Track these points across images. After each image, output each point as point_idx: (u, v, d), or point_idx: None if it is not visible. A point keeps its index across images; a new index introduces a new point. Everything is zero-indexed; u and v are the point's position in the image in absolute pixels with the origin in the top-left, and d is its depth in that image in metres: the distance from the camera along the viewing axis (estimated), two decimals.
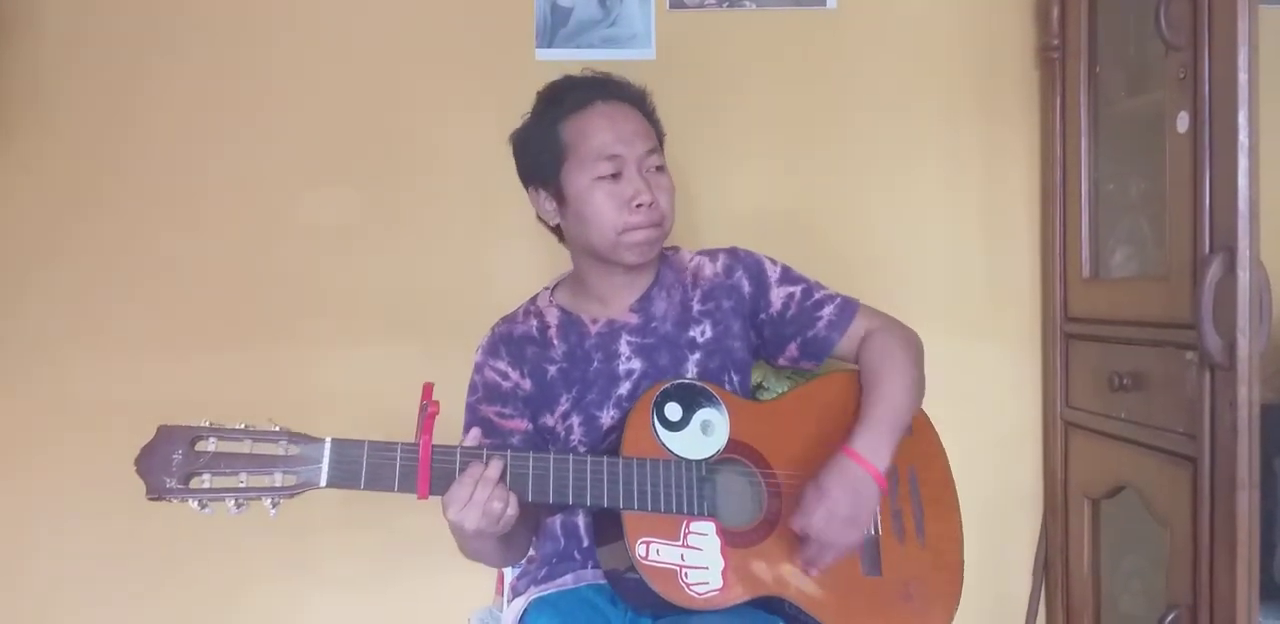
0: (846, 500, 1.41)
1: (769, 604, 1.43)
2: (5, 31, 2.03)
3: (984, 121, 2.10)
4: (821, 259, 1.77)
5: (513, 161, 1.59)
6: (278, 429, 1.28)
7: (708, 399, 1.47)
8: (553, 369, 1.56)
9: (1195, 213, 1.52)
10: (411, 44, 2.08)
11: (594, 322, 1.58)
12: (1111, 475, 1.83)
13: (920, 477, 1.57)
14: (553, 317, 1.60)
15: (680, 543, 1.39)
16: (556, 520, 1.56)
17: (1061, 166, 1.99)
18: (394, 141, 2.08)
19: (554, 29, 2.07)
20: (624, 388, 1.54)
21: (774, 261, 1.63)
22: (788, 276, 1.61)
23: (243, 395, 2.02)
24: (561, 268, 1.68)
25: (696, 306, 1.59)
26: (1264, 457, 1.45)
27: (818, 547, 1.42)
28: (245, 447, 1.27)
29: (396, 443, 1.31)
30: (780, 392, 1.75)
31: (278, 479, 1.26)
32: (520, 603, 1.53)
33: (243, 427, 1.28)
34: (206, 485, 1.25)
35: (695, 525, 1.40)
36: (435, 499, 1.33)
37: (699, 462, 1.43)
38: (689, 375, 1.54)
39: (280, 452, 1.27)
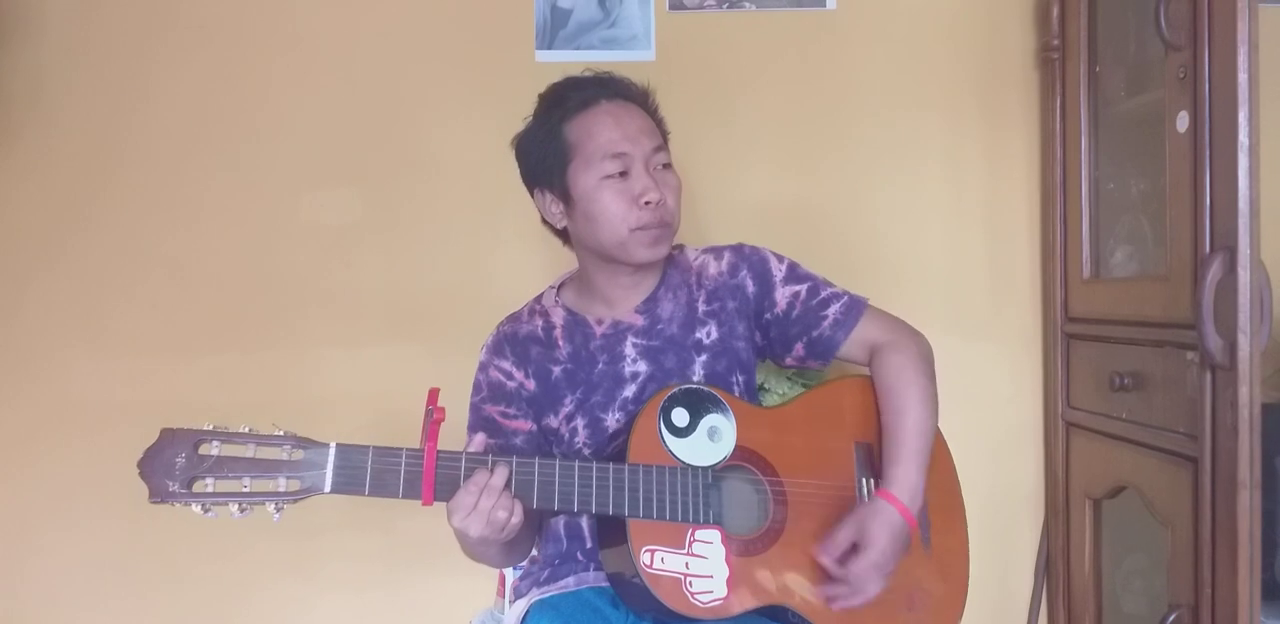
0: (891, 551, 1.40)
1: (773, 613, 1.43)
2: (6, 33, 2.03)
3: (984, 122, 2.10)
4: (821, 259, 1.76)
5: (515, 163, 1.58)
6: (282, 433, 1.28)
7: (715, 405, 1.46)
8: (557, 370, 1.55)
9: (1195, 212, 1.52)
10: (412, 45, 2.08)
11: (599, 323, 1.57)
12: (1112, 475, 1.83)
13: (927, 485, 1.55)
14: (558, 317, 1.59)
15: (685, 551, 1.38)
16: (560, 521, 1.55)
17: (1062, 166, 1.99)
18: (395, 143, 2.08)
19: (554, 30, 2.07)
20: (629, 390, 1.53)
21: (780, 258, 1.61)
22: (793, 274, 1.60)
23: (246, 397, 2.03)
24: (564, 269, 1.68)
25: (702, 307, 1.58)
26: (1265, 456, 1.45)
27: (849, 591, 1.41)
28: (249, 450, 1.26)
29: (401, 449, 1.30)
30: (782, 392, 1.75)
31: (282, 484, 1.26)
32: (522, 605, 1.53)
33: (247, 430, 1.27)
34: (210, 489, 1.25)
35: (700, 533, 1.39)
36: (439, 503, 1.32)
37: (705, 469, 1.42)
38: (696, 378, 1.53)
39: (284, 456, 1.27)
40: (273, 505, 1.25)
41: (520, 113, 1.57)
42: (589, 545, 1.52)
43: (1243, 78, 1.42)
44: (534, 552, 1.62)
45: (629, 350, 1.55)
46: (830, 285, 1.60)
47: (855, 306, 1.58)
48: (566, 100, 1.51)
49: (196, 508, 1.24)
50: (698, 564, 1.38)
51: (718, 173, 2.07)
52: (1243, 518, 1.43)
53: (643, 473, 1.38)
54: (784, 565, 1.43)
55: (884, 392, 1.53)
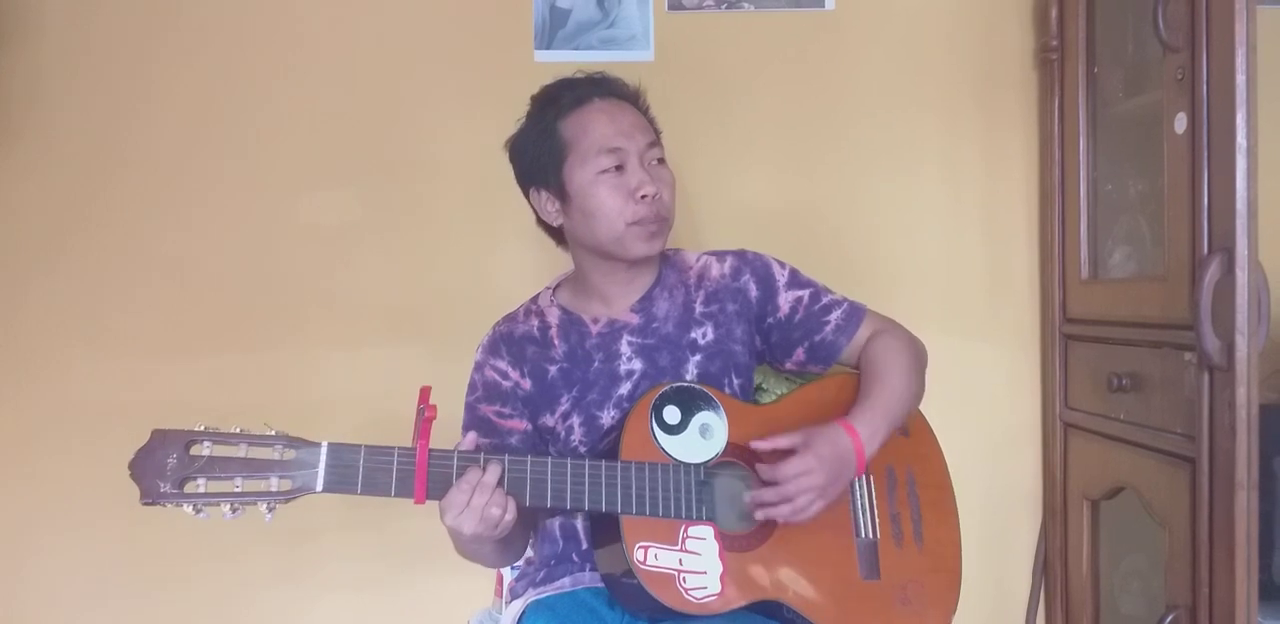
0: (828, 468, 1.39)
1: (767, 608, 1.43)
2: (6, 33, 2.03)
3: (982, 122, 2.10)
4: (819, 260, 1.77)
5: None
6: (274, 433, 1.28)
7: (706, 402, 1.47)
8: (553, 369, 1.56)
9: (1193, 213, 1.52)
10: (411, 46, 2.08)
11: (595, 321, 1.58)
12: (1110, 476, 1.83)
13: (919, 480, 1.56)
14: (554, 316, 1.60)
15: (678, 547, 1.38)
16: (555, 522, 1.56)
17: (1060, 167, 1.99)
18: (393, 143, 2.08)
19: (552, 30, 2.07)
20: (624, 388, 1.54)
21: (783, 264, 1.62)
22: (796, 280, 1.61)
23: (245, 398, 2.03)
24: (562, 270, 1.68)
25: (699, 308, 1.58)
26: (1263, 457, 1.45)
27: (775, 496, 1.39)
28: (241, 451, 1.26)
29: (393, 447, 1.30)
30: (780, 393, 1.75)
31: (273, 484, 1.26)
32: (518, 605, 1.53)
33: (238, 430, 1.27)
34: (201, 490, 1.24)
35: (693, 530, 1.40)
36: (433, 502, 1.32)
37: (697, 466, 1.43)
38: (688, 377, 1.54)
39: (276, 456, 1.27)
40: (265, 505, 1.25)
41: (519, 113, 1.57)
42: (584, 546, 1.52)
43: (1240, 79, 1.42)
44: (530, 553, 1.62)
45: (624, 348, 1.55)
46: (830, 292, 1.62)
47: (856, 312, 1.59)
48: (560, 99, 1.52)
49: (188, 508, 1.24)
50: (691, 560, 1.38)
51: (716, 173, 2.07)
52: (1240, 519, 1.43)
53: (635, 470, 1.39)
54: (777, 561, 1.43)
55: (867, 364, 1.55)
